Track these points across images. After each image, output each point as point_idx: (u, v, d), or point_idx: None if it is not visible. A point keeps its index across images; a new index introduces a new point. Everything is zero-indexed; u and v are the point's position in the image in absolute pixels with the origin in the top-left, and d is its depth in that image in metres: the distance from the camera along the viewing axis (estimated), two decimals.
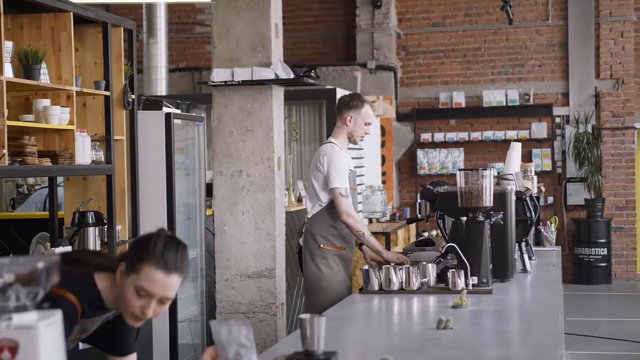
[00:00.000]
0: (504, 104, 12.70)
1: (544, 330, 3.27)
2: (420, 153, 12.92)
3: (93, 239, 5.34)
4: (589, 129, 12.34)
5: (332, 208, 5.17)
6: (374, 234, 9.25)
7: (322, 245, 5.18)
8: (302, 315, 2.74)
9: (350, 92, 5.60)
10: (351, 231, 5.12)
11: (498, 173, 5.37)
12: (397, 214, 11.22)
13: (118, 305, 2.66)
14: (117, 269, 2.64)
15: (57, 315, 1.77)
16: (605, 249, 12.23)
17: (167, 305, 2.63)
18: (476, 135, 12.76)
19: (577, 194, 12.58)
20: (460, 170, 4.47)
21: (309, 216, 5.30)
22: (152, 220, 6.14)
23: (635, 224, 12.63)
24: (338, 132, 5.32)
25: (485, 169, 4.43)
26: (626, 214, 12.59)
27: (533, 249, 5.72)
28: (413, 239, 10.46)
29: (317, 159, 5.22)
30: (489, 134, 12.73)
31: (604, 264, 12.24)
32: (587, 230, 12.25)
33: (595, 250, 12.20)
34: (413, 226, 11.32)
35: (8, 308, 1.73)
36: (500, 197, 4.55)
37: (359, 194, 9.88)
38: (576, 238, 12.36)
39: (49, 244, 5.36)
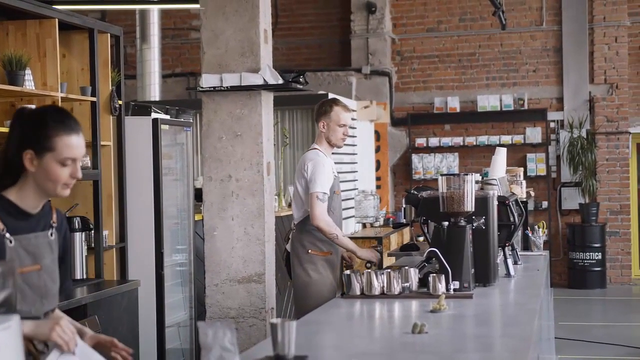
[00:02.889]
0: (499, 108, 12.72)
1: (516, 335, 3.28)
2: (415, 158, 12.93)
3: (80, 245, 5.36)
4: (584, 134, 12.36)
5: None
6: (367, 239, 9.30)
7: (310, 251, 5.25)
8: (273, 320, 2.77)
9: (324, 99, 5.73)
10: (324, 234, 5.19)
11: (482, 178, 5.39)
12: (391, 218, 11.23)
13: (42, 191, 2.70)
14: (19, 172, 2.68)
15: (13, 321, 1.79)
16: (600, 253, 12.23)
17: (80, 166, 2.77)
18: (471, 140, 12.78)
19: (571, 199, 12.58)
20: (442, 175, 4.49)
21: (295, 222, 5.38)
22: (140, 225, 6.16)
23: (629, 229, 12.64)
24: (319, 139, 5.45)
25: (467, 174, 4.45)
26: (620, 219, 12.60)
27: (520, 253, 5.73)
28: None
29: (301, 166, 5.33)
30: (483, 139, 12.74)
31: (598, 269, 12.25)
32: (581, 234, 12.26)
33: (589, 255, 12.21)
34: (407, 231, 11.33)
35: None
36: (482, 202, 4.56)
37: (350, 199, 9.90)
38: (571, 242, 12.36)
39: None
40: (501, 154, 5.58)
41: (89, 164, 5.50)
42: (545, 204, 12.54)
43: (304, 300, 5.24)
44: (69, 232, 2.94)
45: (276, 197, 7.73)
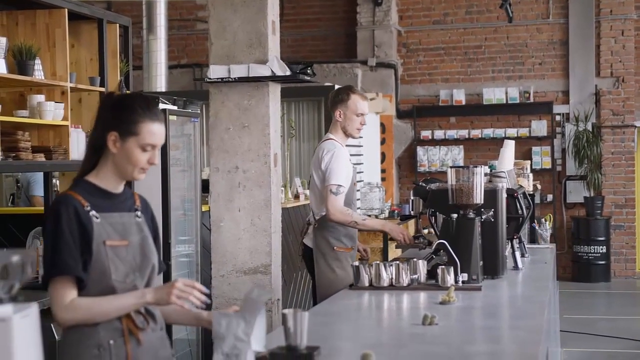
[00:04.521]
0: (504, 101, 12.71)
1: (527, 327, 3.28)
2: (420, 150, 12.93)
3: None
4: (589, 127, 12.35)
5: None
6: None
7: (335, 248, 5.12)
8: (285, 310, 2.76)
9: (340, 86, 5.54)
10: (346, 225, 5.07)
11: (491, 170, 5.39)
12: (396, 211, 11.23)
13: (120, 173, 2.83)
14: (100, 154, 2.81)
15: (32, 308, 1.80)
16: (605, 247, 12.24)
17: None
18: (476, 132, 12.78)
19: (576, 192, 12.58)
20: (451, 167, 4.48)
21: (317, 217, 5.20)
22: None
23: (634, 222, 12.63)
24: (334, 128, 5.28)
25: (476, 167, 4.44)
26: (625, 212, 12.59)
27: (527, 246, 5.72)
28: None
29: (318, 157, 5.16)
30: (489, 132, 12.74)
31: (603, 262, 12.25)
32: (586, 228, 12.26)
33: (594, 248, 12.22)
34: (412, 223, 11.33)
35: None
36: (491, 195, 4.56)
37: (357, 190, 9.90)
38: (575, 236, 12.37)
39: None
40: (509, 147, 5.57)
41: None
42: (550, 197, 12.53)
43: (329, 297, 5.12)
44: (154, 215, 3.04)
45: (282, 188, 7.73)
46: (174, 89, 11.59)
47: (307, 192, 8.34)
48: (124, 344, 2.79)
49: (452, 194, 4.43)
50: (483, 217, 4.49)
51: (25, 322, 1.77)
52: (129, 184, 3.13)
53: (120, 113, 2.81)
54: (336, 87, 10.10)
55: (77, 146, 5.20)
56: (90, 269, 2.75)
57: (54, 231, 2.72)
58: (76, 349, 2.76)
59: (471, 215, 4.42)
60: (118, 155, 2.80)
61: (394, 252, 9.18)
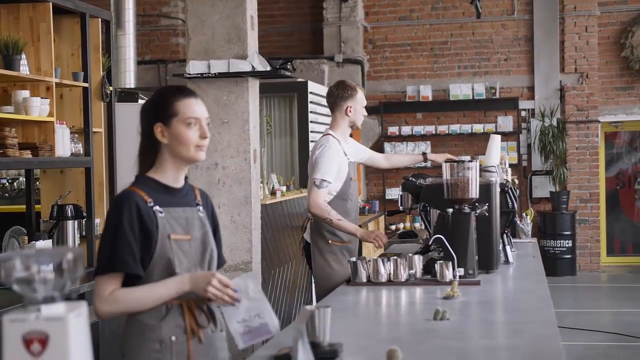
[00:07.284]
0: (471, 97, 12.77)
1: (539, 321, 3.29)
2: (387, 146, 12.94)
3: (72, 232, 5.27)
4: (554, 123, 12.47)
5: (336, 202, 5.09)
6: None
7: (330, 242, 5.12)
8: (308, 307, 2.73)
9: (337, 83, 5.49)
10: (320, 221, 5.06)
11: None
12: (367, 207, 11.25)
13: (178, 160, 2.83)
14: (155, 151, 2.83)
15: (83, 307, 1.75)
16: (570, 241, 12.37)
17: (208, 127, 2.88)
18: (443, 128, 12.83)
19: (542, 187, 12.70)
20: (446, 162, 4.48)
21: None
22: None
23: (599, 217, 12.79)
24: (337, 124, 5.26)
25: (471, 161, 4.45)
26: (590, 207, 12.74)
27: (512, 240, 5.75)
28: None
29: (313, 153, 5.17)
30: (455, 128, 12.80)
31: (568, 256, 12.39)
32: (552, 222, 12.39)
33: (560, 243, 12.34)
34: (382, 219, 11.36)
35: (36, 299, 1.71)
36: (486, 189, 4.57)
37: None
38: (541, 230, 12.48)
39: (26, 237, 5.27)
40: (496, 141, 5.59)
41: (82, 151, 5.41)
42: (516, 192, 12.62)
43: (328, 292, 5.08)
44: (214, 209, 3.05)
45: (260, 185, 7.68)
46: (139, 85, 11.45)
47: (284, 188, 8.31)
48: (185, 341, 2.78)
49: (447, 188, 4.43)
50: (478, 211, 4.49)
51: (79, 320, 1.72)
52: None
53: (156, 104, 2.86)
54: (309, 83, 10.10)
55: (63, 143, 5.10)
56: (154, 263, 2.76)
57: (115, 227, 2.74)
58: (139, 342, 2.77)
59: (466, 209, 4.42)
60: (170, 143, 2.81)
61: (367, 250, 9.18)
